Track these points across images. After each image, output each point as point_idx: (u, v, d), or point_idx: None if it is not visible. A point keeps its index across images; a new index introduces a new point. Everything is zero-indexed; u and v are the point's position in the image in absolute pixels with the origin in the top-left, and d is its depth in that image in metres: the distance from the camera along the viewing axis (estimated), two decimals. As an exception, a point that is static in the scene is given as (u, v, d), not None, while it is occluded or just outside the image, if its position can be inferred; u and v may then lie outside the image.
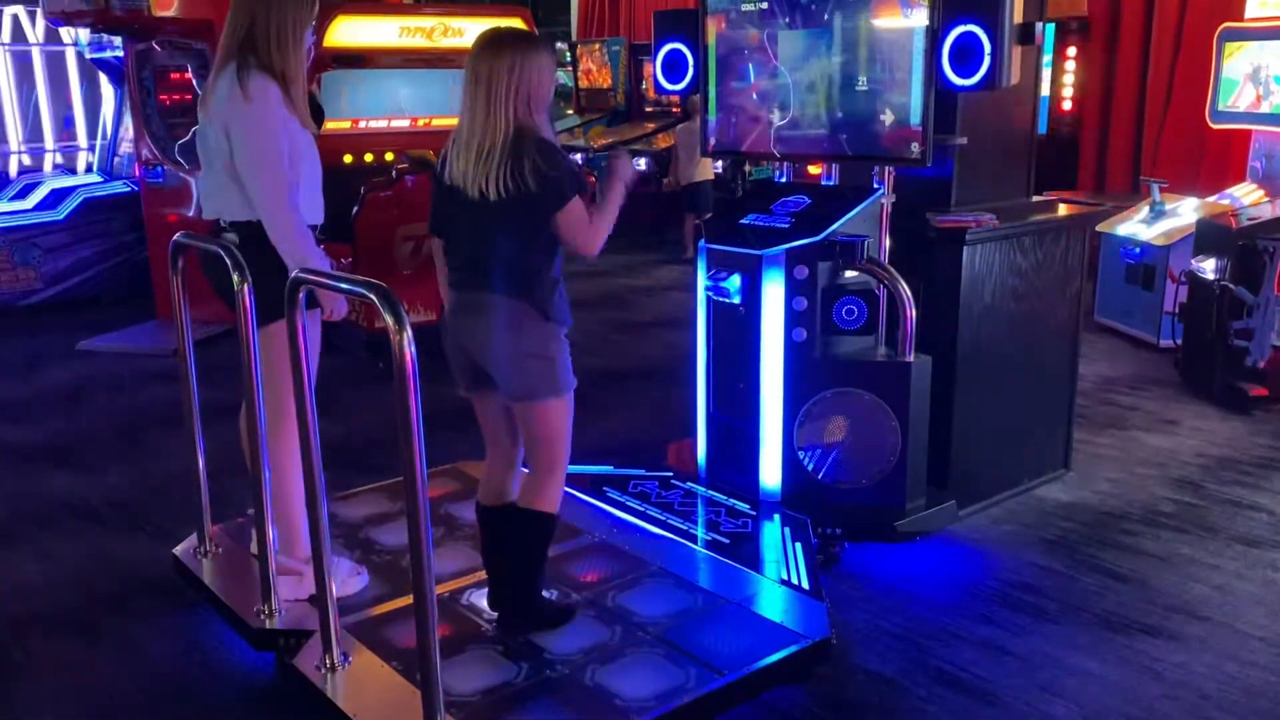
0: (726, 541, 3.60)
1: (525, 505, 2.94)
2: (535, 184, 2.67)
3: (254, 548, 3.35)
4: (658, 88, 4.48)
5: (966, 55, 3.45)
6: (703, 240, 4.02)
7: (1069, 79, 8.58)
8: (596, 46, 12.73)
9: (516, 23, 6.88)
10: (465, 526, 3.76)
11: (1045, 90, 8.30)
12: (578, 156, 10.57)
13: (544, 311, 2.78)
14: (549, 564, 3.40)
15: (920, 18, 3.53)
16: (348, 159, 6.81)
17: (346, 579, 3.29)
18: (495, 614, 3.10)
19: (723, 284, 3.86)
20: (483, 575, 3.22)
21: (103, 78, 9.02)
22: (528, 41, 2.78)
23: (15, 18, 9.54)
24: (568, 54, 12.83)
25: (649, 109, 12.23)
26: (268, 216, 3.04)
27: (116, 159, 8.98)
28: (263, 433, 3.07)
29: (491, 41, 2.75)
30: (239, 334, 2.98)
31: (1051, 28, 8.16)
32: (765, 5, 3.91)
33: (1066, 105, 8.61)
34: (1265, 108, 6.31)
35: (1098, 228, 6.57)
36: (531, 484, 2.95)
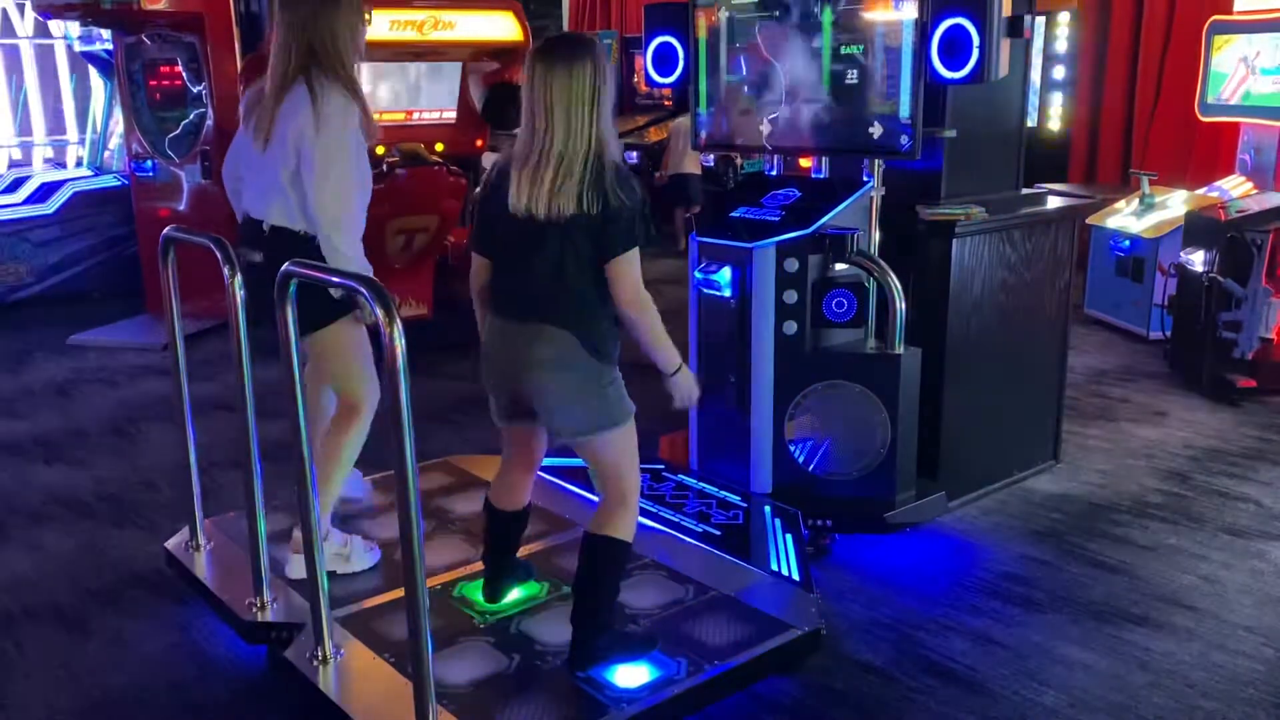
0: (718, 533, 3.62)
1: (597, 530, 2.76)
2: (606, 217, 2.50)
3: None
4: (649, 81, 4.48)
5: (955, 48, 3.46)
6: (693, 233, 4.03)
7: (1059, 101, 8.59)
8: (588, 40, 12.70)
9: (508, 16, 6.87)
10: (457, 520, 3.77)
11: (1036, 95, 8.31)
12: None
13: (595, 348, 2.61)
14: (543, 556, 3.43)
15: (909, 11, 3.53)
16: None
17: (362, 554, 3.38)
18: (488, 606, 3.11)
19: (713, 277, 3.86)
20: (475, 568, 3.24)
21: (92, 71, 8.98)
22: (595, 46, 2.58)
23: (4, 11, 9.49)
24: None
25: (640, 102, 12.23)
26: (328, 229, 3.03)
27: (107, 153, 8.95)
28: (254, 427, 3.08)
29: (563, 47, 2.55)
30: (230, 327, 2.97)
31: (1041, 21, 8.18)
32: (755, -2, 3.91)
33: (1055, 125, 8.61)
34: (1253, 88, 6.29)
35: (1087, 220, 6.59)
36: (604, 512, 2.77)
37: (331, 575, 3.19)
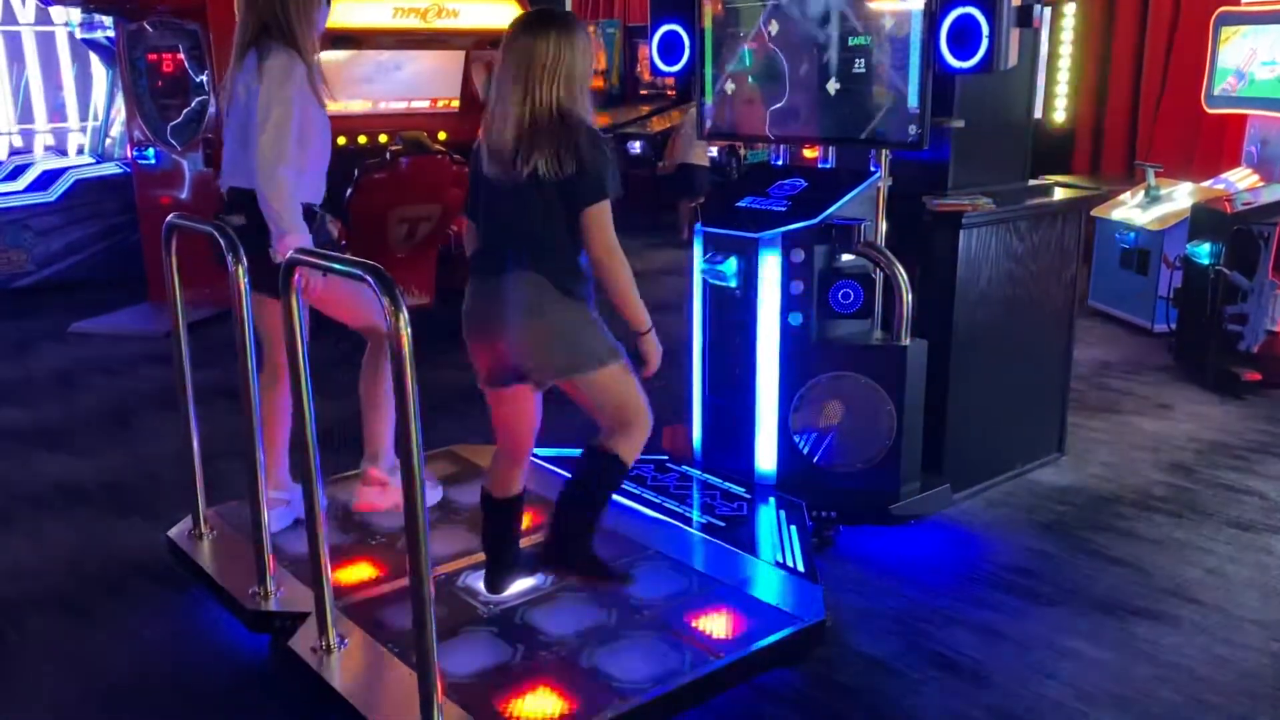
0: (722, 525, 3.61)
1: (601, 446, 2.88)
2: (577, 172, 2.61)
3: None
4: (654, 70, 4.46)
5: (964, 38, 3.44)
6: (699, 223, 4.02)
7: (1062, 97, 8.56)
8: (591, 28, 12.67)
9: (512, 4, 6.85)
10: (461, 509, 3.76)
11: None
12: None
13: (565, 288, 2.70)
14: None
15: (917, 0, 3.51)
16: (341, 141, 6.73)
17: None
18: (492, 596, 3.11)
19: (719, 267, 3.85)
20: (479, 558, 3.23)
21: (94, 58, 8.95)
22: (566, 21, 2.70)
23: (6, -2, 9.46)
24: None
25: (644, 91, 12.19)
26: (262, 180, 3.14)
27: (108, 140, 8.93)
28: (257, 408, 3.07)
29: (529, 22, 2.69)
30: (234, 314, 2.96)
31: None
32: (762, -13, 3.89)
33: (1059, 116, 8.58)
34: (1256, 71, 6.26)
35: (1093, 212, 6.57)
36: (609, 435, 2.87)
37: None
